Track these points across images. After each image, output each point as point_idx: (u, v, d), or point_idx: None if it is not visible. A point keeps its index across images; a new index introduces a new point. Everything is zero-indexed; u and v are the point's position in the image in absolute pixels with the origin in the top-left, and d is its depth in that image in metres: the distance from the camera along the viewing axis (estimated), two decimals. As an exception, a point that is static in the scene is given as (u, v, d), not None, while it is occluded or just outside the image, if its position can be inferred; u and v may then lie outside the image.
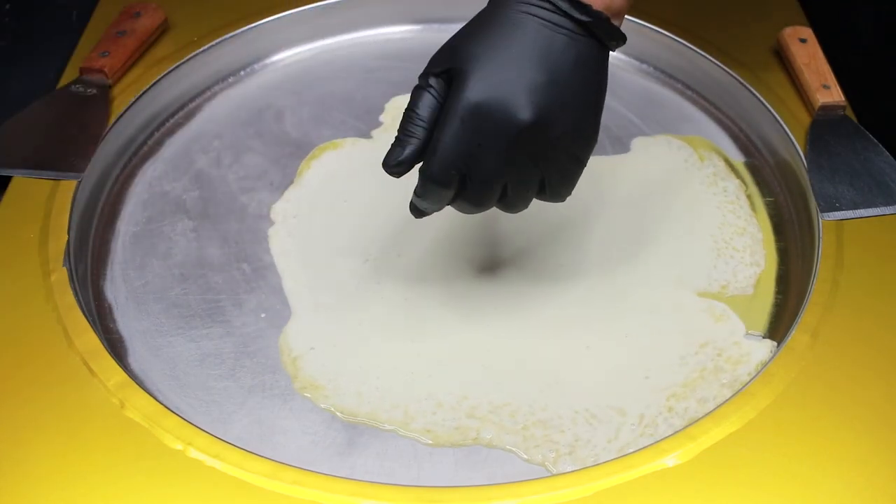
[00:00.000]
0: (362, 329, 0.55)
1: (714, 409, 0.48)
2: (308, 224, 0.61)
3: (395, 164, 0.47)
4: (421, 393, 0.52)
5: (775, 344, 0.53)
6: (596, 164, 0.65)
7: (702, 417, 0.47)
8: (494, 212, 0.61)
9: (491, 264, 0.59)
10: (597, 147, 0.50)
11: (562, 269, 0.58)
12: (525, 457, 0.49)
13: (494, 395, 0.51)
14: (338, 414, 0.50)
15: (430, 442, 0.49)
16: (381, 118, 0.70)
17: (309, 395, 0.51)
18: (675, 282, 0.57)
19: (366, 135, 0.69)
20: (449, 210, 0.62)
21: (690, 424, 0.47)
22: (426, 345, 0.54)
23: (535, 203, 0.62)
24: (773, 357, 0.51)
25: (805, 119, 0.64)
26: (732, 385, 0.51)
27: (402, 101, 0.70)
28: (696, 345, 0.54)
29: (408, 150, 0.47)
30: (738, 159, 0.66)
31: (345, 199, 0.63)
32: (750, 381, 0.49)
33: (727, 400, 0.48)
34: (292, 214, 0.62)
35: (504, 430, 0.50)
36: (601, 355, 0.54)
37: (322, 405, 0.51)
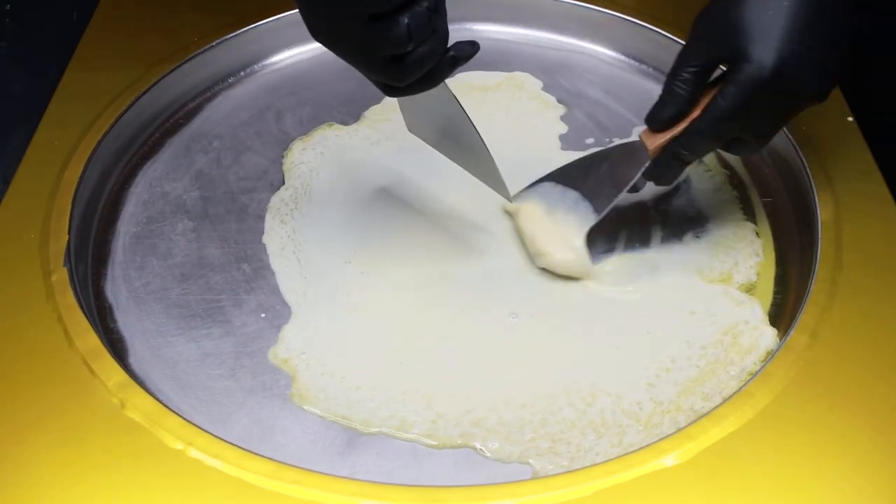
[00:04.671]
0: (360, 336, 0.54)
1: (717, 405, 0.48)
2: (304, 223, 0.61)
3: (659, 122, 0.52)
4: (420, 405, 0.51)
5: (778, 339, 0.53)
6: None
7: (706, 413, 0.47)
8: (497, 216, 0.62)
9: (495, 266, 0.58)
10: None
11: None
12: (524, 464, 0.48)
13: (503, 410, 0.50)
14: (331, 418, 0.50)
15: (432, 443, 0.49)
16: (365, 114, 0.70)
17: (297, 403, 0.51)
18: (683, 273, 0.57)
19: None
20: (450, 213, 0.62)
21: (693, 422, 0.47)
22: (431, 353, 0.53)
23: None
24: (777, 348, 0.51)
25: (804, 120, 0.64)
26: (739, 376, 0.52)
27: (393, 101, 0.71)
28: (720, 332, 0.54)
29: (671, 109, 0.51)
30: (737, 159, 0.66)
31: (342, 197, 0.63)
32: (751, 378, 0.49)
33: (731, 396, 0.48)
34: (288, 212, 0.62)
35: (510, 440, 0.49)
36: (627, 354, 0.53)
37: (314, 411, 0.51)
